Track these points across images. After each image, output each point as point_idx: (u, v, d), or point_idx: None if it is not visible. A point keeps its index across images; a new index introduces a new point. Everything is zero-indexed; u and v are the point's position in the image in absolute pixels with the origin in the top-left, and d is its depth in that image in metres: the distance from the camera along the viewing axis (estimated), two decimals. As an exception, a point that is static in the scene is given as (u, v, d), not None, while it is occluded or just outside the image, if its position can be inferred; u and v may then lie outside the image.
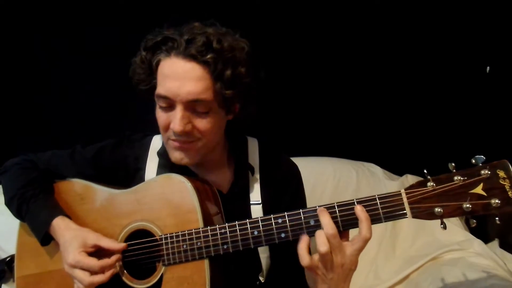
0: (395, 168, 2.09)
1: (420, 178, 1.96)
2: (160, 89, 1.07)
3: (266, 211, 1.23)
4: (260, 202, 1.24)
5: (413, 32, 2.05)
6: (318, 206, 1.00)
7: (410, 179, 2.01)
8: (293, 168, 1.33)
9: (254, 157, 1.28)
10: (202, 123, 1.08)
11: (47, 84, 2.22)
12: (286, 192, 1.28)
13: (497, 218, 0.86)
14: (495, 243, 1.81)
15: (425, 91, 2.12)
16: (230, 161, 1.29)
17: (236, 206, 1.23)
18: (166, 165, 1.23)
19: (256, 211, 1.23)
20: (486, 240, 1.80)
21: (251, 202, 1.23)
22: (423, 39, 2.05)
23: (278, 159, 1.32)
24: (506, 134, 1.90)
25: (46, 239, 1.18)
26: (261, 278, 1.25)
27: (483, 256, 1.65)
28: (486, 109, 2.04)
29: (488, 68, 2.01)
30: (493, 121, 2.03)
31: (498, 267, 1.59)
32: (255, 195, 1.24)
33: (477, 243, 1.72)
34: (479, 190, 0.87)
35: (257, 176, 1.26)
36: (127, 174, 1.27)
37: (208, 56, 1.03)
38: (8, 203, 1.25)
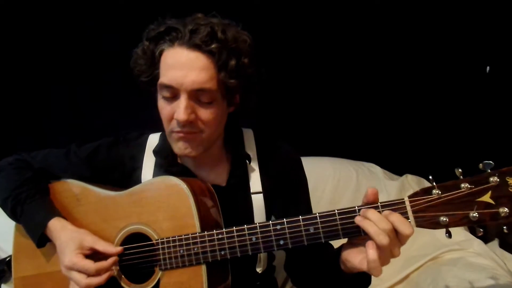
0: (395, 168, 2.08)
1: (420, 178, 2.00)
2: (164, 79, 1.06)
3: (267, 200, 1.22)
4: (261, 191, 1.22)
5: (413, 32, 2.05)
6: (318, 213, 0.96)
7: (410, 179, 2.00)
8: (292, 154, 1.31)
9: (250, 147, 1.27)
10: (205, 114, 1.07)
11: (47, 84, 2.20)
12: (287, 179, 1.26)
13: (505, 227, 0.83)
14: (495, 243, 1.81)
15: (425, 91, 2.13)
16: (227, 154, 1.27)
17: (236, 197, 1.21)
18: (163, 164, 1.21)
19: (257, 200, 1.21)
20: (486, 240, 1.80)
21: (251, 192, 1.22)
22: (423, 39, 2.05)
23: (276, 147, 1.29)
24: (508, 136, 1.90)
25: (42, 241, 1.16)
26: (258, 270, 1.24)
27: (483, 256, 1.64)
28: (486, 109, 2.04)
29: (488, 68, 2.01)
30: (493, 121, 2.03)
31: (498, 267, 1.58)
32: (256, 184, 1.23)
33: (477, 243, 1.71)
34: (487, 198, 0.84)
35: (256, 165, 1.24)
36: (123, 174, 1.25)
37: (213, 46, 1.02)
38: (2, 205, 1.24)
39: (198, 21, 1.05)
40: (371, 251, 0.88)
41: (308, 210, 1.30)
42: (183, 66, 1.03)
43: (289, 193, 1.26)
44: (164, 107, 1.10)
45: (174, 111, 1.07)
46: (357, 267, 0.94)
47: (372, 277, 1.00)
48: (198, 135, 1.10)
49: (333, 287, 1.14)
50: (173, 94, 1.06)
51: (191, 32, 1.03)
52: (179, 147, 1.12)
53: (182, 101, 1.04)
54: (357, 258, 0.95)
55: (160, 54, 1.08)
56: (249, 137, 1.28)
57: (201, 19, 1.07)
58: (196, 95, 1.05)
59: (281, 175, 1.25)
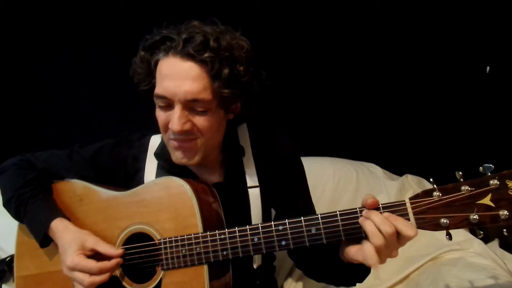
0: (395, 168, 2.08)
1: (420, 178, 2.00)
2: (158, 89, 1.07)
3: (264, 194, 1.23)
4: (257, 185, 1.22)
5: (413, 32, 2.05)
6: (320, 214, 0.97)
7: (410, 179, 2.00)
8: (289, 146, 1.30)
9: (245, 141, 1.27)
10: (200, 121, 1.07)
11: (47, 83, 2.21)
12: (284, 172, 1.26)
13: (504, 230, 0.84)
14: (495, 243, 1.81)
15: (425, 91, 2.12)
16: (224, 151, 1.27)
17: (233, 192, 1.22)
18: (165, 166, 1.22)
19: (254, 194, 1.22)
20: (486, 240, 1.80)
21: (248, 186, 1.22)
22: (423, 39, 2.05)
23: (272, 139, 1.29)
24: (508, 138, 1.90)
25: (45, 240, 1.16)
26: (254, 266, 1.25)
27: (483, 256, 1.64)
28: (486, 110, 2.04)
29: (488, 68, 2.01)
30: (493, 122, 2.03)
31: (498, 267, 1.58)
32: (252, 178, 1.23)
33: (477, 243, 1.71)
34: (487, 201, 0.85)
35: (251, 159, 1.25)
36: (126, 175, 1.26)
37: (205, 55, 1.02)
38: (6, 205, 1.24)
39: (192, 30, 1.05)
40: (367, 245, 0.91)
41: (308, 201, 1.30)
42: (176, 76, 1.03)
43: (287, 186, 1.26)
44: (160, 116, 1.10)
45: (169, 120, 1.07)
46: (353, 258, 0.97)
47: (372, 277, 1.01)
48: (194, 142, 1.10)
49: (335, 276, 1.16)
50: (168, 104, 1.07)
51: (185, 41, 1.03)
52: (176, 156, 1.13)
53: (176, 111, 1.05)
54: (353, 249, 0.98)
55: (156, 63, 1.08)
56: (243, 131, 1.28)
57: (196, 27, 1.07)
58: (191, 105, 1.06)
59: (278, 168, 1.25)
